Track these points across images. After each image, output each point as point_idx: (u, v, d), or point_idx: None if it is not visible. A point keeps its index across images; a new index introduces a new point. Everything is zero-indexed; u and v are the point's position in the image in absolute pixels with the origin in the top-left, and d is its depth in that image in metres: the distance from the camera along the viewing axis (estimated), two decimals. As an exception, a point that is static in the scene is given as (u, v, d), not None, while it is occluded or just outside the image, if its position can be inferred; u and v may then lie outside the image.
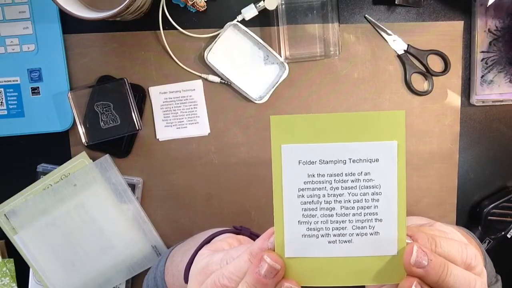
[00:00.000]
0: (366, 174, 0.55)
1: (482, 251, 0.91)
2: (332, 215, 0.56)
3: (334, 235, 0.56)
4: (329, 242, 0.56)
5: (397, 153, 0.54)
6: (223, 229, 0.85)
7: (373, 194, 0.55)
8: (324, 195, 0.55)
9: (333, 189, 0.55)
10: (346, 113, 0.54)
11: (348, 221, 0.56)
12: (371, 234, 0.56)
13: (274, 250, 0.57)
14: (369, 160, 0.55)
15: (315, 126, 0.55)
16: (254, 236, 0.85)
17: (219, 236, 0.81)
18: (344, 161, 0.55)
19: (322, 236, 0.56)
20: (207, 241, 0.79)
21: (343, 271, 0.57)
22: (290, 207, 0.56)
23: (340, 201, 0.55)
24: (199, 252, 0.71)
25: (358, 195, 0.55)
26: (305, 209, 0.56)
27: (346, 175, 0.55)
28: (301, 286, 0.57)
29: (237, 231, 0.85)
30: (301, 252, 0.56)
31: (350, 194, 0.55)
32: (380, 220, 0.55)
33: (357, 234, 0.56)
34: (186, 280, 0.74)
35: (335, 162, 0.55)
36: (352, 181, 0.55)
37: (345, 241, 0.56)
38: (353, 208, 0.55)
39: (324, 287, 0.57)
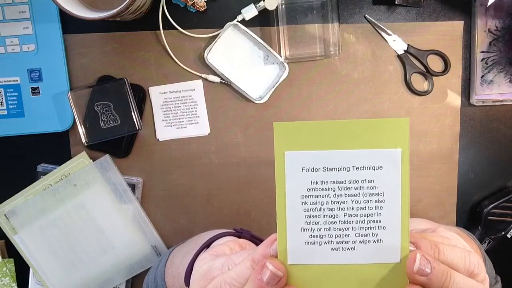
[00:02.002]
0: (369, 181, 0.55)
1: (482, 253, 0.91)
2: (335, 223, 0.55)
3: (337, 243, 0.56)
4: (332, 249, 0.56)
5: (401, 160, 0.54)
6: (223, 232, 0.85)
7: (376, 201, 0.55)
8: (327, 202, 0.55)
9: (337, 197, 0.55)
10: (350, 120, 0.54)
11: (351, 228, 0.56)
12: (374, 241, 0.56)
13: (276, 257, 0.57)
14: (373, 168, 0.55)
15: (318, 133, 0.55)
16: (255, 239, 0.85)
17: (219, 240, 0.81)
18: (348, 169, 0.55)
19: (325, 243, 0.56)
20: (207, 244, 0.79)
21: (345, 278, 0.56)
22: (293, 214, 0.56)
23: (343, 209, 0.55)
24: (201, 257, 0.71)
25: (362, 203, 0.55)
26: (308, 216, 0.56)
27: (349, 182, 0.55)
28: None
29: (238, 234, 0.85)
30: (304, 259, 0.56)
31: (354, 202, 0.55)
32: (384, 228, 0.55)
33: (360, 242, 0.56)
34: (187, 283, 0.74)
35: (339, 169, 0.55)
36: (356, 188, 0.55)
37: (348, 249, 0.56)
38: (356, 215, 0.55)
39: None
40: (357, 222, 0.55)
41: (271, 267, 0.55)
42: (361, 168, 0.55)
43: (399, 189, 0.55)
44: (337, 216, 0.55)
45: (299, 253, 0.56)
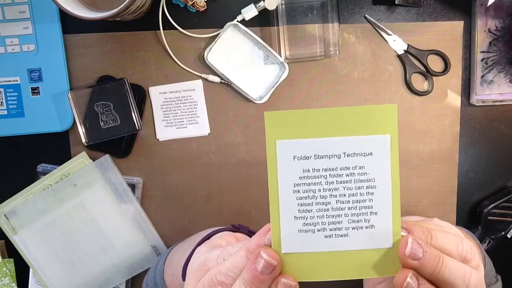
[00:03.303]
0: (360, 168, 0.55)
1: (482, 251, 0.91)
2: (328, 210, 0.56)
3: (330, 230, 0.56)
4: (325, 236, 0.56)
5: (390, 146, 0.55)
6: (221, 228, 0.85)
7: (367, 187, 0.55)
8: (319, 190, 0.55)
9: (328, 184, 0.55)
10: (340, 108, 0.55)
11: (343, 215, 0.56)
12: (366, 227, 0.56)
13: (270, 246, 0.57)
14: (363, 154, 0.55)
15: (309, 121, 0.55)
16: (252, 234, 0.85)
17: (217, 234, 0.81)
18: (339, 156, 0.55)
19: (318, 230, 0.56)
20: (205, 239, 0.79)
21: (339, 265, 0.57)
22: (285, 203, 0.56)
23: (335, 196, 0.55)
24: (197, 249, 0.71)
25: (353, 189, 0.55)
26: (301, 204, 0.56)
27: (341, 169, 0.55)
28: (298, 281, 0.57)
29: (235, 229, 0.85)
30: (298, 247, 0.57)
31: (345, 188, 0.55)
32: (375, 213, 0.56)
33: (353, 228, 0.56)
34: (184, 277, 0.74)
35: (330, 156, 0.55)
36: (347, 175, 0.55)
37: (341, 235, 0.56)
38: (348, 202, 0.56)
39: (321, 281, 0.58)
40: (349, 208, 0.56)
41: (265, 256, 0.55)
42: (352, 155, 0.55)
43: (389, 174, 0.55)
44: (329, 203, 0.56)
45: (293, 241, 0.57)
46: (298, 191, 0.56)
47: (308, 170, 0.55)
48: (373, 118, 0.55)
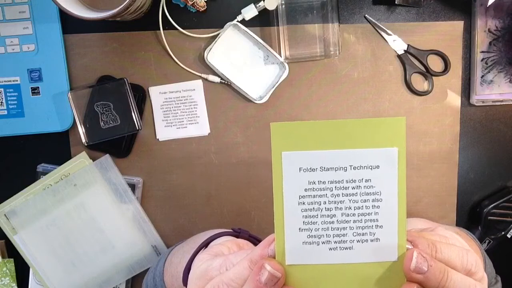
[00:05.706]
0: (366, 181, 0.55)
1: (482, 252, 0.91)
2: (333, 222, 0.55)
3: (335, 242, 0.56)
4: (330, 249, 0.56)
5: (398, 159, 0.54)
6: (221, 231, 0.85)
7: (373, 200, 0.55)
8: (325, 202, 0.55)
9: (334, 196, 0.55)
10: (347, 120, 0.54)
11: (349, 228, 0.55)
12: (371, 240, 0.56)
13: (274, 258, 0.56)
14: (370, 167, 0.55)
15: (315, 133, 0.54)
16: (252, 239, 0.85)
17: (218, 239, 0.81)
18: (345, 168, 0.55)
19: (323, 243, 0.56)
20: (206, 244, 0.79)
21: (343, 277, 0.56)
22: (290, 215, 0.56)
23: (341, 208, 0.55)
24: (199, 257, 0.70)
25: (359, 202, 0.55)
26: (306, 216, 0.56)
27: (347, 182, 0.55)
28: None
29: (236, 233, 0.85)
30: (302, 259, 0.56)
31: (351, 201, 0.55)
32: (381, 227, 0.55)
33: (358, 241, 0.56)
34: (185, 283, 0.74)
35: (336, 169, 0.55)
36: (353, 188, 0.55)
37: (346, 248, 0.56)
38: (353, 215, 0.55)
39: None
40: (354, 221, 0.55)
41: (269, 268, 0.54)
42: (358, 168, 0.55)
43: (396, 188, 0.55)
44: (334, 215, 0.55)
45: (297, 253, 0.56)
46: (303, 203, 0.55)
47: (314, 182, 0.55)
48: (380, 130, 0.54)
